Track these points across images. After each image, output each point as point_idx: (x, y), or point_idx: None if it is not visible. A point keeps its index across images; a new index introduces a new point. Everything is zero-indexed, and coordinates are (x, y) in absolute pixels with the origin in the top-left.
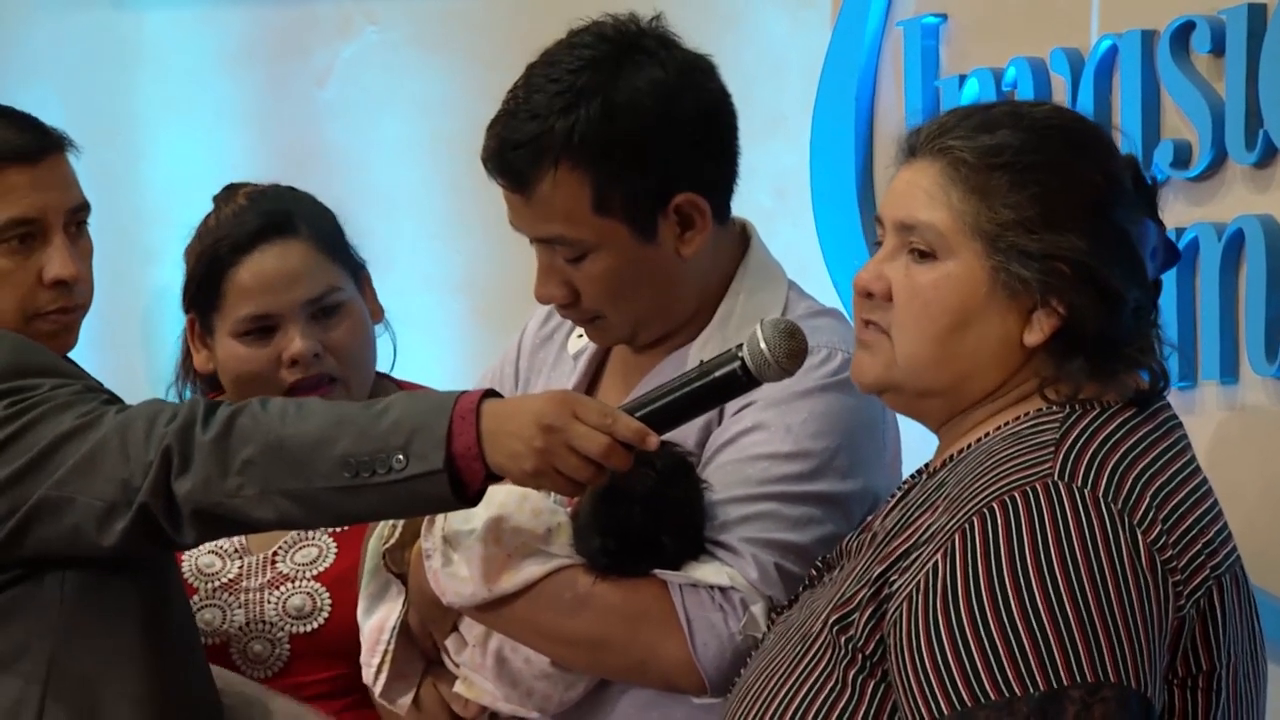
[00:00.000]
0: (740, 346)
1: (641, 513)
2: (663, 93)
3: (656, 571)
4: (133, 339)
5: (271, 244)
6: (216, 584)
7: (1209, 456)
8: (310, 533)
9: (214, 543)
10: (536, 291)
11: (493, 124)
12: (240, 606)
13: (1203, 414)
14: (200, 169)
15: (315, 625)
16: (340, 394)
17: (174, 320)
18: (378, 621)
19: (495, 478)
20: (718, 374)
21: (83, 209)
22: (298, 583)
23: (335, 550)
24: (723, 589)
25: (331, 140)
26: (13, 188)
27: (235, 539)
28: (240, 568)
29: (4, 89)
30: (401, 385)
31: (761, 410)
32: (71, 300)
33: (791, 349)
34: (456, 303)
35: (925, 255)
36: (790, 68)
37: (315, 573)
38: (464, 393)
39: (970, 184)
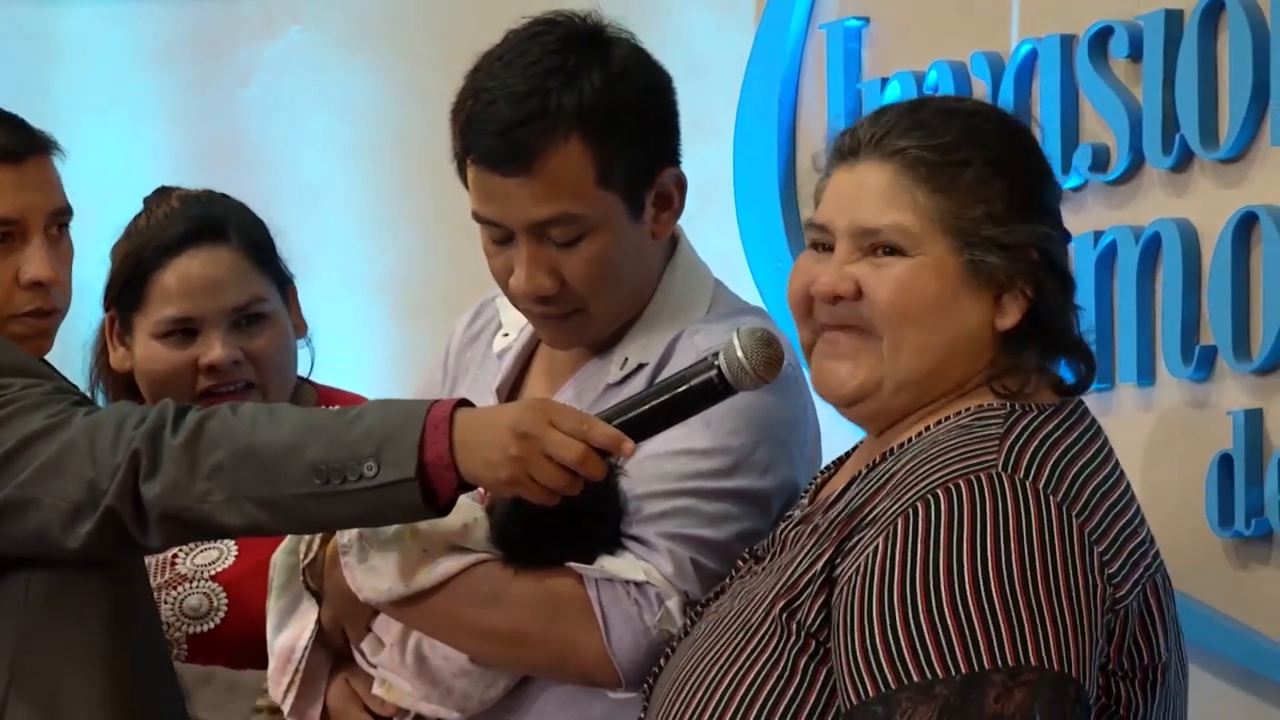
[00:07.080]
0: (716, 355)
1: (560, 500)
2: (645, 67)
3: (572, 565)
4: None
5: (200, 248)
6: None
7: (1126, 458)
8: None
9: None
10: (523, 284)
11: (471, 120)
12: None
13: (1120, 416)
14: (122, 167)
15: (211, 625)
16: (257, 400)
17: (90, 317)
18: (288, 640)
19: (467, 486)
20: (694, 382)
21: (64, 212)
22: (195, 583)
23: (236, 552)
24: (638, 583)
25: (254, 139)
26: None
27: None
28: None
29: None
30: (320, 389)
31: None
32: (49, 303)
33: (769, 357)
34: (380, 302)
35: (891, 252)
36: (713, 69)
37: (213, 573)
38: (437, 401)
39: (934, 183)
